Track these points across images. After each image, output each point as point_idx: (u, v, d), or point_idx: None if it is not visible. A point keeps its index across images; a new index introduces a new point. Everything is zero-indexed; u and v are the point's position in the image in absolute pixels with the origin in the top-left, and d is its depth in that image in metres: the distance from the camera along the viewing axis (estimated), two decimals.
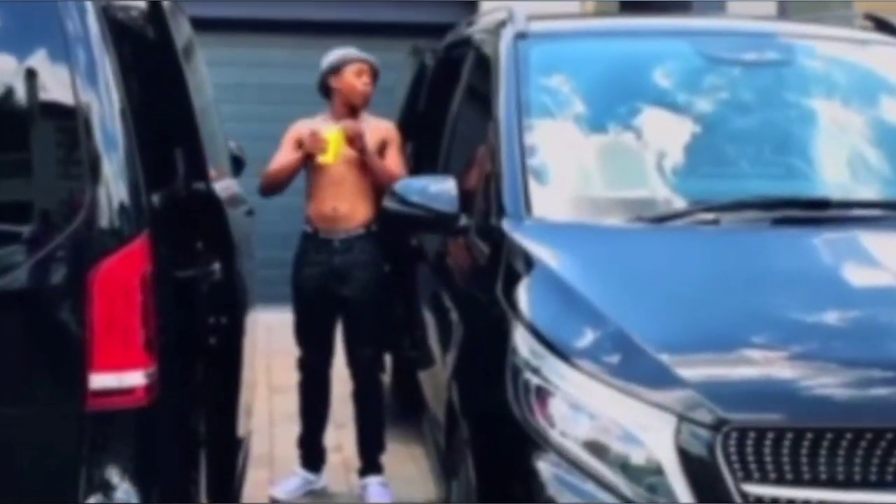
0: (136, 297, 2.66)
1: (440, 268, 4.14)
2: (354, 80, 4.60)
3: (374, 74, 4.67)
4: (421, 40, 6.26)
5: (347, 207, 4.52)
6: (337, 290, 4.55)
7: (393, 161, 4.59)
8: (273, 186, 4.64)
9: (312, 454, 4.78)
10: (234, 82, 7.57)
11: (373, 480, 4.69)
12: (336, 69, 4.61)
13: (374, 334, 4.65)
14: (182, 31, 3.84)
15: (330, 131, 4.42)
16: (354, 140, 4.46)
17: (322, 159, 4.43)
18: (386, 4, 8.11)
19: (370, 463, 4.72)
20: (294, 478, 4.75)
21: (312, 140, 4.44)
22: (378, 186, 4.45)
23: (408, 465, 5.02)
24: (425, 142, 5.01)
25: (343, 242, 4.54)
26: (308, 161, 4.52)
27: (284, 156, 4.62)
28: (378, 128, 4.65)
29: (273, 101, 7.84)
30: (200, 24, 4.43)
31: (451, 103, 4.49)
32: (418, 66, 5.84)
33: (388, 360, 5.53)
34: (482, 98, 3.87)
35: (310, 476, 4.76)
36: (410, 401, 5.10)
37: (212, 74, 4.63)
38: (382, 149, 4.59)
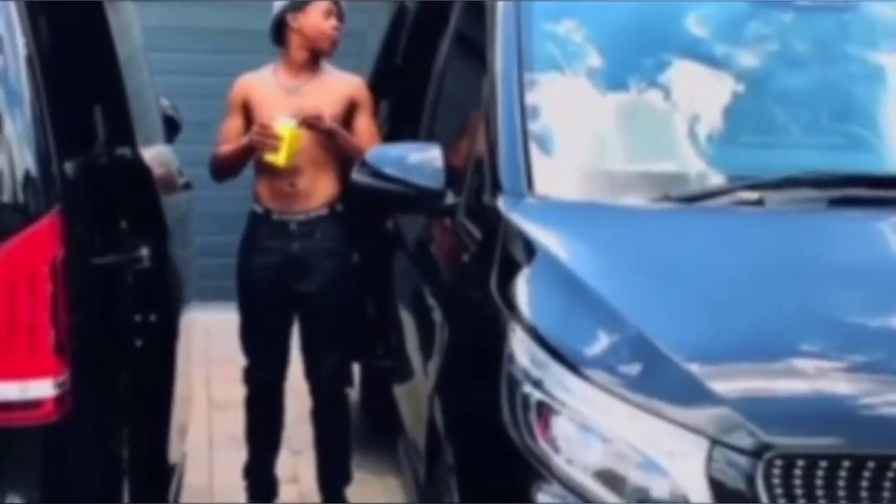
0: (45, 289, 2.66)
1: (421, 257, 4.16)
2: (321, 21, 4.56)
3: (341, 18, 4.67)
4: None
5: (307, 182, 4.51)
6: (293, 284, 4.55)
7: (363, 127, 4.58)
8: (223, 173, 4.65)
9: (262, 486, 4.79)
10: (164, 24, 7.54)
11: None
12: (298, 5, 4.57)
13: (338, 340, 4.64)
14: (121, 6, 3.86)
15: (285, 126, 4.34)
16: (315, 126, 4.43)
17: (271, 159, 4.37)
18: None
19: (333, 496, 4.74)
20: None
21: (261, 136, 4.37)
22: (344, 157, 4.46)
23: (379, 499, 5.04)
24: (404, 101, 5.03)
25: (301, 225, 4.54)
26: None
27: (231, 130, 4.58)
28: (344, 84, 4.63)
29: (213, 50, 7.84)
30: None
31: (437, 54, 4.50)
32: (397, 8, 5.85)
33: (356, 370, 5.56)
34: (475, 48, 3.88)
35: None
36: (383, 421, 5.12)
37: (139, 15, 4.63)
38: (350, 112, 4.58)
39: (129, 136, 3.43)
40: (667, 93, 3.62)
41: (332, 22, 4.60)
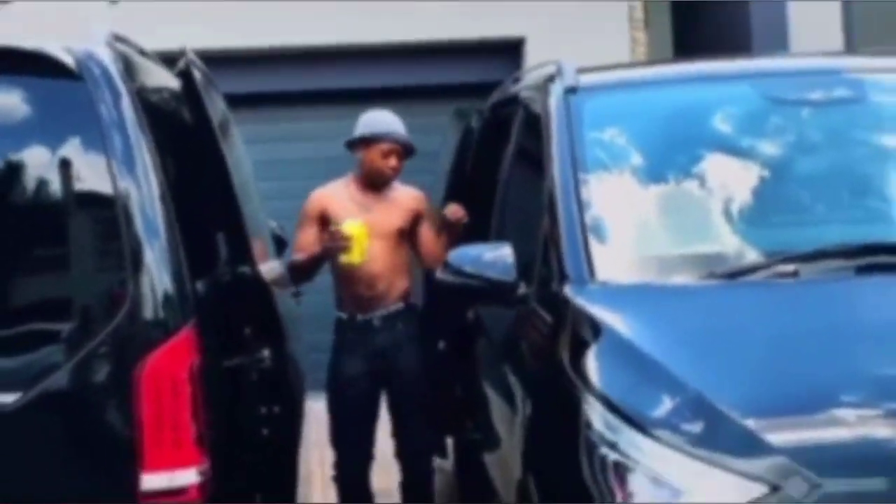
0: (186, 392, 2.70)
1: (501, 341, 4.14)
2: (380, 161, 4.51)
3: (408, 152, 4.58)
4: (465, 102, 6.32)
5: (384, 286, 4.45)
6: (383, 370, 4.44)
7: (426, 234, 4.56)
8: (300, 279, 4.54)
9: None
10: (270, 158, 7.67)
11: None
12: (366, 141, 4.56)
13: (424, 417, 4.52)
14: (217, 109, 3.94)
15: (352, 226, 4.27)
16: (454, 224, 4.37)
17: (347, 259, 4.27)
18: (424, 66, 8.21)
19: None
20: None
21: (333, 239, 4.29)
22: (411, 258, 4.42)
23: None
24: (476, 208, 5.04)
25: (384, 320, 4.49)
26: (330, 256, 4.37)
27: (305, 240, 4.53)
28: (409, 199, 4.60)
29: (311, 176, 7.92)
30: (234, 100, 4.53)
31: (501, 165, 4.51)
32: (464, 129, 5.89)
33: (450, 444, 5.51)
34: (534, 158, 3.90)
35: None
36: (476, 485, 5.05)
37: (248, 151, 4.71)
38: (415, 222, 4.57)
39: (247, 255, 3.49)
40: (703, 183, 3.58)
41: (392, 162, 4.52)
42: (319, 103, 8.19)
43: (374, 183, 4.55)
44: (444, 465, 5.99)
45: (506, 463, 3.76)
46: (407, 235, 4.53)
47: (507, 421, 3.75)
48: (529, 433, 3.33)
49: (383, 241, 4.43)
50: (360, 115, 4.67)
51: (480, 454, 4.72)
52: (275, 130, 8.15)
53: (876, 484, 2.55)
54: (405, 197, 4.61)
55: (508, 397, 3.75)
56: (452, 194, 5.35)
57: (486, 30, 8.03)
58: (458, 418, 5.08)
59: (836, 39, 8.28)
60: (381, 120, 4.62)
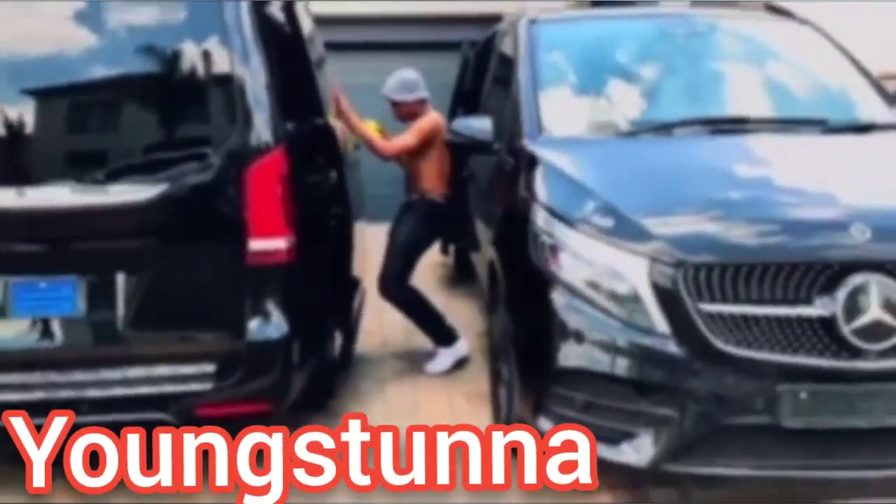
0: (277, 189, 2.38)
1: (483, 178, 3.76)
2: None
3: (391, 102, 3.74)
4: (466, 42, 5.77)
5: (410, 184, 3.80)
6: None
7: (401, 135, 3.65)
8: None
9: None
10: (347, 83, 7.11)
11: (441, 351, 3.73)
12: None
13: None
14: (317, 48, 3.48)
15: (369, 122, 3.71)
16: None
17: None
18: (444, 29, 7.64)
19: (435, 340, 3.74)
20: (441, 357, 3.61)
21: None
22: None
23: (465, 310, 4.68)
24: (471, 106, 4.58)
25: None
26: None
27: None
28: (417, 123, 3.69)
29: (369, 99, 7.42)
30: (332, 46, 4.00)
31: (485, 82, 4.07)
32: (463, 59, 5.40)
33: (451, 248, 5.17)
34: (503, 77, 3.46)
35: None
36: (467, 272, 4.75)
37: (340, 77, 4.16)
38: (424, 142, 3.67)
39: (322, 113, 3.06)
40: (614, 82, 3.14)
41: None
42: (378, 50, 7.61)
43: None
44: (446, 260, 5.68)
45: (483, 255, 3.42)
46: (417, 152, 3.68)
47: (485, 229, 3.39)
48: (498, 230, 2.98)
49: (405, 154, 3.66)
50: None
51: (469, 253, 4.39)
52: (352, 66, 7.58)
53: (713, 258, 2.21)
54: (417, 123, 3.70)
55: (487, 212, 3.39)
56: (457, 101, 4.89)
57: (481, 8, 7.42)
58: (459, 233, 4.71)
59: None
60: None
